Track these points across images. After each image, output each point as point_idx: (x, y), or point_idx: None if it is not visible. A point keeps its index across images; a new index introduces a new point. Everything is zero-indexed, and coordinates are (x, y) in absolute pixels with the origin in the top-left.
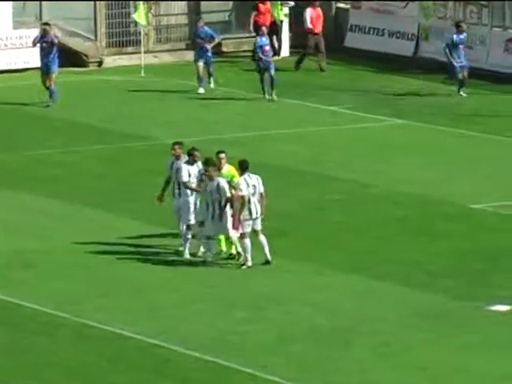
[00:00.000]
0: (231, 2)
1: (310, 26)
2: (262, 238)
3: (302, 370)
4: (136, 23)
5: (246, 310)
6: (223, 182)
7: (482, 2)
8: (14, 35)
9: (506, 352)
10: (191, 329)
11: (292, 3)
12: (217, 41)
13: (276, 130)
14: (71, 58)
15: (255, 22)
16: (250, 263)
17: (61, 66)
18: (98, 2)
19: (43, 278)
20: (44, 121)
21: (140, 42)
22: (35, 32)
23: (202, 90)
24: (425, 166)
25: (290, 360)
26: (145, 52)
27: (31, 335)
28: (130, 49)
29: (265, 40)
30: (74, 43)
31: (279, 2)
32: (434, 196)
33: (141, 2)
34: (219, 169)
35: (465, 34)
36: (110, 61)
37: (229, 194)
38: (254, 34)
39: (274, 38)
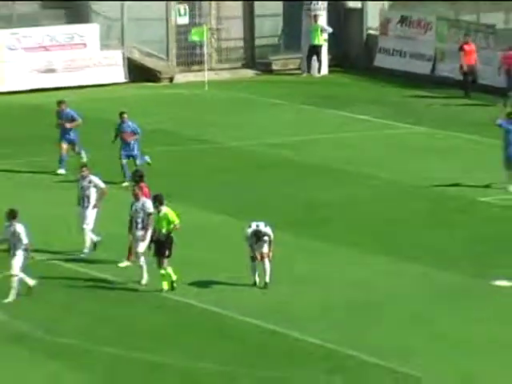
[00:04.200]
0: (280, 28)
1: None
2: None
3: (342, 334)
4: (199, 41)
5: (290, 287)
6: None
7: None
8: (101, 55)
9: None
10: (246, 299)
11: (330, 30)
12: (79, 121)
13: (318, 135)
14: (146, 74)
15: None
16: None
17: (138, 80)
18: (169, 28)
19: None
20: None
21: (204, 61)
22: (118, 53)
23: (61, 171)
24: (442, 165)
25: (332, 326)
26: (208, 70)
27: (114, 305)
28: (195, 67)
29: (127, 125)
30: (150, 62)
31: (319, 29)
32: (450, 192)
33: (204, 27)
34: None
35: None
36: (180, 77)
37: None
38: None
39: (315, 58)
